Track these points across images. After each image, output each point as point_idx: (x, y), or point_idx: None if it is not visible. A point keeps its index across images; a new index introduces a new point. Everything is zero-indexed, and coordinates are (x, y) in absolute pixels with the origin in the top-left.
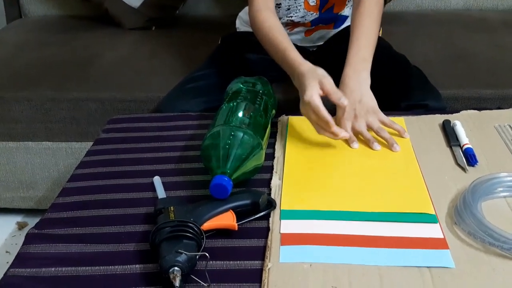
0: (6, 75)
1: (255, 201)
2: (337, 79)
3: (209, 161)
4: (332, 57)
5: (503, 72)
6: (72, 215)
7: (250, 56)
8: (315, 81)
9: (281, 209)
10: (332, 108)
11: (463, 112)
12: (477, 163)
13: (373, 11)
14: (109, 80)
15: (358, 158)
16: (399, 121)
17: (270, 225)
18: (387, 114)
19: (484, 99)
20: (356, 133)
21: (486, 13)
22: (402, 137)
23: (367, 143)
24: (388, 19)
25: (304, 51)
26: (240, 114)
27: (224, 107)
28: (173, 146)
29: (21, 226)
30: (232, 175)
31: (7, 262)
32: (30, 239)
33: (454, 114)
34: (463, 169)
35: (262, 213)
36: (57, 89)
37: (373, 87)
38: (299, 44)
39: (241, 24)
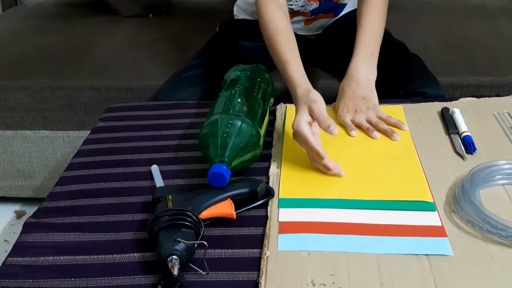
0: (2, 63)
1: (253, 189)
2: (338, 66)
3: (207, 150)
4: (332, 45)
5: (502, 59)
6: (70, 204)
7: (248, 44)
8: (304, 107)
9: (280, 197)
10: (330, 99)
11: (462, 100)
12: (476, 151)
13: (379, 3)
14: (106, 68)
15: (356, 146)
16: (398, 109)
17: (269, 214)
18: (385, 102)
19: (483, 86)
20: (355, 125)
21: (485, 0)
22: (401, 129)
23: (366, 132)
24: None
25: (304, 40)
26: (238, 102)
27: (222, 95)
28: (171, 134)
29: (19, 214)
30: (230, 163)
31: (6, 251)
32: (28, 228)
33: (452, 102)
34: (462, 156)
35: (260, 202)
36: (53, 78)
37: None
38: (298, 33)
39: (239, 11)
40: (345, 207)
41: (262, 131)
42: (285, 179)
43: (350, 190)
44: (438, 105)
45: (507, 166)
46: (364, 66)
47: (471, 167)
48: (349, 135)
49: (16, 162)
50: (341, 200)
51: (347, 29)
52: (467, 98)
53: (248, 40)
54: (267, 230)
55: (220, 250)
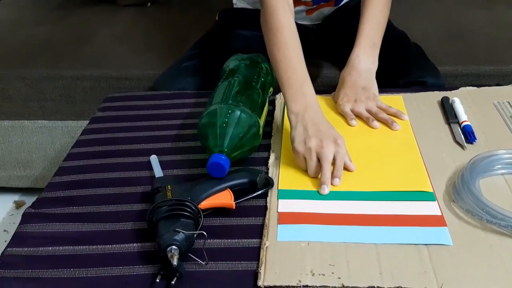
0: None
1: (253, 179)
2: (338, 56)
3: (206, 140)
4: (332, 34)
5: (503, 48)
6: (69, 194)
7: (248, 33)
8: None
9: (279, 188)
10: (330, 88)
11: (462, 89)
12: (476, 140)
13: None
14: (104, 57)
15: (356, 137)
16: (398, 99)
17: (268, 204)
18: (385, 92)
19: (483, 75)
20: (355, 114)
21: None
22: (401, 119)
23: (366, 121)
24: None
25: (304, 30)
26: (237, 92)
27: (221, 84)
28: (170, 124)
29: (18, 205)
30: (230, 153)
31: (5, 241)
32: (27, 218)
33: (452, 91)
34: (462, 146)
35: (259, 192)
36: (51, 67)
37: None
38: (299, 22)
39: (239, 0)
40: (344, 198)
41: (262, 121)
42: (284, 169)
43: (349, 181)
44: (438, 95)
45: (507, 156)
46: (365, 56)
47: (471, 156)
48: (349, 124)
49: (15, 152)
50: (340, 192)
51: (348, 18)
52: (467, 87)
53: (247, 30)
54: (266, 221)
55: (220, 240)
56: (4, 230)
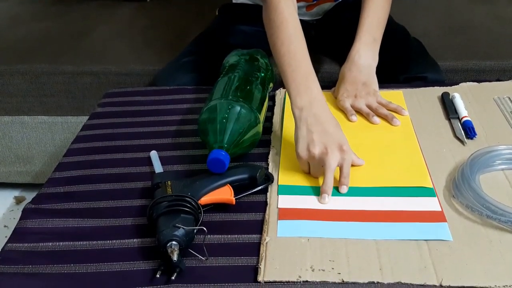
0: None
1: (253, 175)
2: (339, 51)
3: (206, 135)
4: (333, 30)
5: (503, 43)
6: (69, 190)
7: (247, 28)
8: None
9: (279, 184)
10: (330, 84)
11: (462, 84)
12: (476, 136)
13: None
14: (104, 53)
15: (356, 133)
16: (398, 94)
17: (268, 200)
18: (385, 87)
19: (484, 71)
20: (355, 110)
21: None
22: (401, 115)
23: (366, 117)
24: None
25: (305, 25)
26: (237, 87)
27: (221, 80)
28: (170, 120)
29: (18, 200)
30: (230, 149)
31: (6, 237)
32: (27, 214)
33: (453, 87)
34: (462, 141)
35: (259, 188)
36: (51, 62)
37: None
38: (299, 18)
39: None
40: (344, 194)
41: (262, 117)
42: (284, 165)
43: (349, 177)
44: (438, 90)
45: (507, 151)
46: (365, 51)
47: (471, 152)
48: (349, 120)
49: (15, 148)
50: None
51: (348, 14)
52: (468, 83)
53: (247, 25)
54: (266, 216)
55: (220, 236)
56: (5, 226)
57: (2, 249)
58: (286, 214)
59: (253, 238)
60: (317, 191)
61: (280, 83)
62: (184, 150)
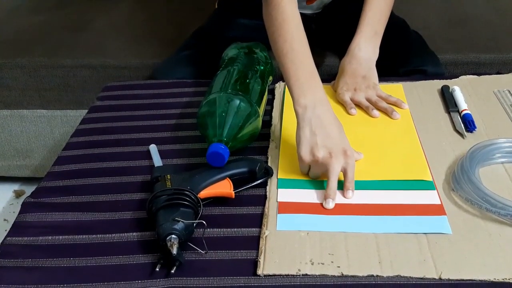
0: None
1: (252, 169)
2: (339, 44)
3: (205, 129)
4: (333, 23)
5: (503, 36)
6: (68, 184)
7: (247, 21)
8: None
9: (278, 178)
10: (330, 77)
11: (462, 77)
12: (476, 129)
13: None
14: (103, 46)
15: (356, 127)
16: (398, 87)
17: (267, 193)
18: (385, 80)
19: (484, 64)
20: (355, 103)
21: None
22: (401, 108)
23: (366, 110)
24: None
25: (305, 18)
26: (237, 80)
27: (220, 73)
28: (169, 113)
29: (18, 194)
30: (229, 143)
31: (5, 230)
32: (26, 207)
33: (453, 80)
34: (461, 135)
35: (259, 181)
36: (50, 56)
37: None
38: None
39: None
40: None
41: (261, 110)
42: (284, 159)
43: None
44: (438, 83)
45: (506, 144)
46: (366, 45)
47: (470, 145)
48: (348, 113)
49: (14, 142)
50: (339, 181)
51: (348, 7)
52: (468, 76)
53: (246, 18)
54: (266, 210)
55: (219, 229)
56: (4, 220)
57: (1, 243)
58: (286, 208)
59: (252, 232)
60: (317, 185)
61: (279, 77)
62: (183, 143)
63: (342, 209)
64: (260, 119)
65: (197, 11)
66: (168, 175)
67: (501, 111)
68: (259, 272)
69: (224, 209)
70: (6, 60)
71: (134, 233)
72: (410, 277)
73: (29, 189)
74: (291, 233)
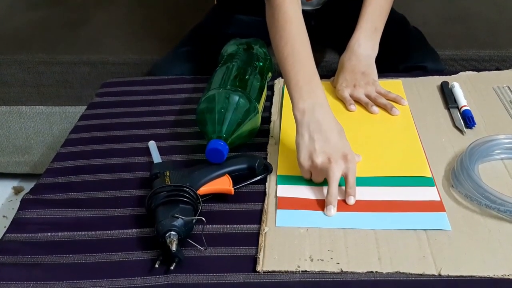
0: None
1: (251, 165)
2: (338, 41)
3: (204, 125)
4: (333, 19)
5: (503, 32)
6: (67, 180)
7: (246, 18)
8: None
9: (278, 174)
10: (329, 73)
11: (462, 74)
12: (475, 125)
13: None
14: (102, 42)
15: (355, 123)
16: (397, 84)
17: (267, 190)
18: (385, 76)
19: (483, 60)
20: (354, 99)
21: None
22: (400, 104)
23: (365, 107)
24: None
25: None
26: (236, 77)
27: (219, 70)
28: (168, 110)
29: (17, 190)
30: (228, 139)
31: (4, 227)
32: (25, 204)
33: (452, 76)
34: (461, 131)
35: (258, 178)
36: (48, 52)
37: None
38: None
39: None
40: (343, 184)
41: (260, 107)
42: (283, 155)
43: None
44: (438, 79)
45: (506, 141)
46: (366, 41)
47: (470, 141)
48: (347, 110)
49: (13, 138)
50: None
51: (348, 3)
52: (467, 72)
53: (245, 14)
54: (265, 206)
55: (218, 226)
56: (3, 216)
57: (1, 240)
58: (285, 203)
59: (252, 228)
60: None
61: (278, 73)
62: (182, 140)
63: (341, 206)
64: (259, 115)
65: (196, 7)
66: (167, 172)
67: (500, 107)
68: (259, 268)
69: (223, 206)
70: (5, 56)
71: (133, 230)
72: (409, 273)
73: (28, 186)
74: (290, 230)
